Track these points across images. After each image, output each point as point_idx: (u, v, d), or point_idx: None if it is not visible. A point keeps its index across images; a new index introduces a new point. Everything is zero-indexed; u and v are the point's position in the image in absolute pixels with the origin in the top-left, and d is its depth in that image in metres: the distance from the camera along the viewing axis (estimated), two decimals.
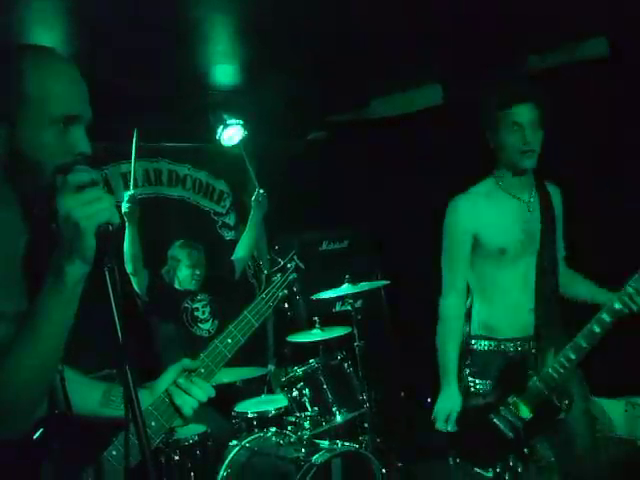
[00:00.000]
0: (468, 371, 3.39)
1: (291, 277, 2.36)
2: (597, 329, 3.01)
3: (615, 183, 4.95)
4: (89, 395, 1.96)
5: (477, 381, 3.34)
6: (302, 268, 2.39)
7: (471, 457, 3.27)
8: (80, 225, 1.47)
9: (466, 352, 3.42)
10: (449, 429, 3.25)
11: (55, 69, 1.64)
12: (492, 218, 3.30)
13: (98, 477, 1.70)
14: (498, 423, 3.18)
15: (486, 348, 3.35)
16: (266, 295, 2.28)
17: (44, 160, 1.59)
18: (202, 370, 2.05)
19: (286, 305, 2.36)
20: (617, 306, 3.01)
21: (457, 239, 3.37)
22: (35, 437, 1.61)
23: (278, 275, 2.36)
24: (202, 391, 2.00)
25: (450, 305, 3.40)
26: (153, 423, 1.91)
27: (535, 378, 3.17)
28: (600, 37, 5.26)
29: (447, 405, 3.29)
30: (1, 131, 1.58)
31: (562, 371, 3.08)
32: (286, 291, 2.32)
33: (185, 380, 2.00)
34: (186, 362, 2.05)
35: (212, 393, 2.03)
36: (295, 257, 2.41)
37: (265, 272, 2.39)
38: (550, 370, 3.12)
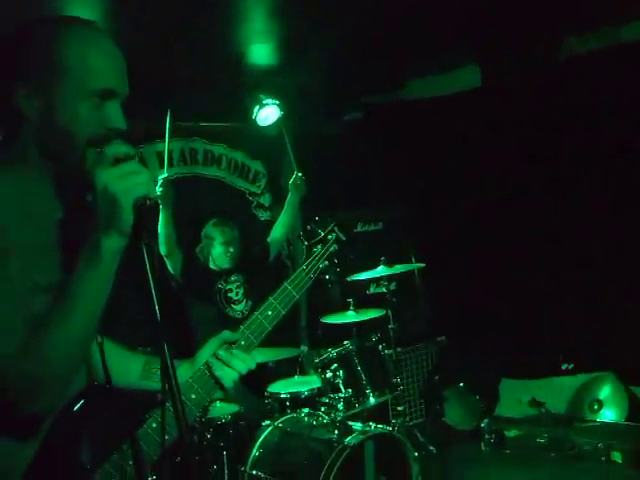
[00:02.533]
0: None
1: (332, 248, 2.33)
2: None
3: None
4: (130, 367, 1.95)
5: None
6: (343, 240, 2.36)
7: None
8: (117, 198, 1.45)
9: None
10: None
11: (95, 42, 1.61)
12: None
13: (137, 449, 1.69)
14: None
15: None
16: (307, 266, 2.25)
17: (78, 132, 1.57)
18: (242, 342, 2.01)
19: (327, 277, 2.32)
20: None
21: None
22: (75, 409, 1.60)
23: (319, 246, 2.33)
24: (243, 363, 1.97)
25: None
26: (193, 396, 1.89)
27: None
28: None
29: None
30: (38, 102, 1.56)
31: None
32: (327, 262, 2.29)
33: (225, 352, 1.96)
34: (226, 334, 2.02)
35: (253, 365, 1.99)
36: (336, 228, 2.38)
37: (306, 243, 2.35)
38: None
